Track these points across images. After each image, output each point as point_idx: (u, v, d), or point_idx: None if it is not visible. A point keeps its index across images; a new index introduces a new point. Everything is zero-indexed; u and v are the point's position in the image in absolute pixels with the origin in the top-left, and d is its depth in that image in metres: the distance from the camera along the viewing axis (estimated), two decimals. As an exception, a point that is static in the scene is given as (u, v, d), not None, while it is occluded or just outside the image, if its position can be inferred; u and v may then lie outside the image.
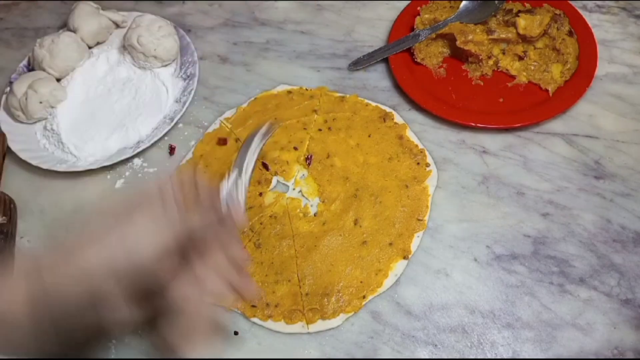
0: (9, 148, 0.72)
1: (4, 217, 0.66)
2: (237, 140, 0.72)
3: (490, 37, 0.72)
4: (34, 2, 0.94)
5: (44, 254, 0.39)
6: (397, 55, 0.75)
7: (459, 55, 0.75)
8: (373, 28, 0.82)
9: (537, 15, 0.71)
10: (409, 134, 0.70)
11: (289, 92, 0.76)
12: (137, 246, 0.37)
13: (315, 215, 0.65)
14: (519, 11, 0.73)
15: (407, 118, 0.71)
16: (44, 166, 0.70)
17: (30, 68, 0.81)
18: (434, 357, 0.56)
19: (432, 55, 0.76)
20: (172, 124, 0.72)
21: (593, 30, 0.73)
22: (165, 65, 0.79)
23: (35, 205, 0.70)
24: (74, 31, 0.80)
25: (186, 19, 0.87)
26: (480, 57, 0.72)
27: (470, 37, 0.72)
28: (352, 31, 0.82)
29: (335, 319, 0.58)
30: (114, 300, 0.36)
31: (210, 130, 0.74)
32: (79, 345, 0.39)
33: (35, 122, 0.76)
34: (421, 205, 0.64)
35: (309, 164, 0.69)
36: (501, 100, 0.71)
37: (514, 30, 0.72)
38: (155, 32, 0.76)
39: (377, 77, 0.77)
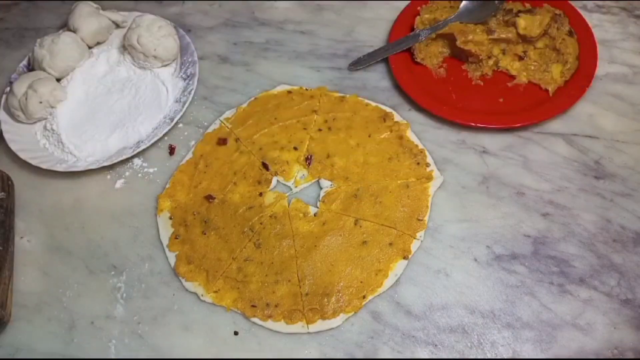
0: (9, 148, 0.72)
1: (3, 193, 0.67)
2: (237, 140, 0.72)
3: (490, 37, 0.72)
4: (34, 2, 0.94)
5: None
6: (397, 55, 0.75)
7: (459, 55, 0.75)
8: (373, 28, 0.82)
9: (537, 15, 0.71)
10: (409, 134, 0.70)
11: (289, 92, 0.76)
12: None
13: (315, 215, 0.65)
14: (519, 11, 0.73)
15: (407, 118, 0.71)
16: (44, 166, 0.70)
17: (30, 68, 0.81)
18: (434, 357, 0.56)
19: (432, 55, 0.76)
20: (172, 124, 0.72)
21: (593, 30, 0.73)
22: (165, 65, 0.79)
23: (35, 205, 0.70)
24: (74, 31, 0.80)
25: (186, 19, 0.87)
26: (480, 57, 0.72)
27: (470, 37, 0.72)
28: (352, 31, 0.82)
29: (335, 319, 0.58)
30: None
31: (210, 130, 0.74)
32: None
33: (35, 122, 0.76)
34: (421, 205, 0.64)
35: (309, 164, 0.69)
36: (501, 100, 0.71)
37: (514, 30, 0.72)
38: (155, 32, 0.76)
39: (377, 77, 0.77)
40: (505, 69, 0.73)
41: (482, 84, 0.73)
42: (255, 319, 0.59)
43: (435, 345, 0.56)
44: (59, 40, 0.77)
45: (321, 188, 0.67)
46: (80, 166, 0.70)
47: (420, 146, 0.68)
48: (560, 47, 0.71)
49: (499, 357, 0.55)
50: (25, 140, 0.74)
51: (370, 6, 0.85)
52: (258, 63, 0.81)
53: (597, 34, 0.73)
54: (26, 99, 0.72)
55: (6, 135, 0.73)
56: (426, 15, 0.77)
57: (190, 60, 0.79)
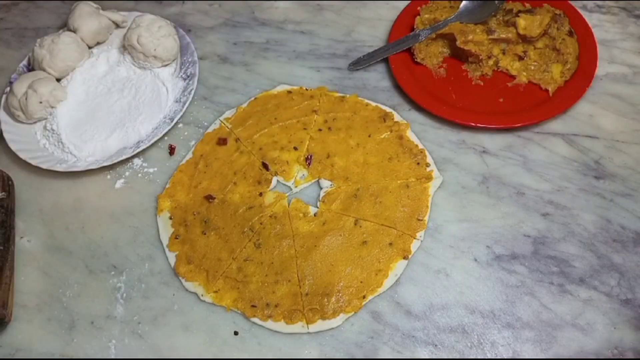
0: (9, 148, 0.72)
1: (3, 193, 0.67)
2: (237, 140, 0.72)
3: (490, 37, 0.72)
4: (34, 2, 0.94)
5: None
6: (397, 55, 0.75)
7: (459, 55, 0.75)
8: (373, 28, 0.82)
9: (537, 15, 0.71)
10: (409, 134, 0.70)
11: (289, 92, 0.76)
12: None
13: (315, 215, 0.65)
14: (519, 11, 0.73)
15: (407, 118, 0.71)
16: (44, 166, 0.70)
17: (30, 68, 0.81)
18: (434, 357, 0.56)
19: (432, 55, 0.76)
20: (172, 124, 0.72)
21: (593, 30, 0.73)
22: (165, 65, 0.79)
23: (35, 205, 0.70)
24: (74, 31, 0.80)
25: (186, 19, 0.87)
26: (480, 57, 0.72)
27: (470, 37, 0.72)
28: (352, 31, 0.82)
29: (335, 319, 0.58)
30: None
31: (210, 130, 0.74)
32: None
33: (35, 122, 0.76)
34: (421, 205, 0.64)
35: (309, 164, 0.69)
36: (501, 100, 0.71)
37: (514, 30, 0.72)
38: (155, 32, 0.76)
39: (377, 77, 0.77)
40: (505, 69, 0.73)
41: (482, 84, 0.73)
42: (255, 319, 0.59)
43: (435, 345, 0.56)
44: (59, 40, 0.77)
45: (321, 188, 0.67)
46: (80, 166, 0.70)
47: (420, 146, 0.68)
48: (560, 47, 0.72)
49: (499, 357, 0.55)
50: (25, 140, 0.74)
51: (370, 6, 0.85)
52: (258, 63, 0.81)
53: (597, 34, 0.73)
54: (26, 99, 0.72)
55: (6, 135, 0.73)
56: (426, 15, 0.77)
57: (190, 60, 0.79)
